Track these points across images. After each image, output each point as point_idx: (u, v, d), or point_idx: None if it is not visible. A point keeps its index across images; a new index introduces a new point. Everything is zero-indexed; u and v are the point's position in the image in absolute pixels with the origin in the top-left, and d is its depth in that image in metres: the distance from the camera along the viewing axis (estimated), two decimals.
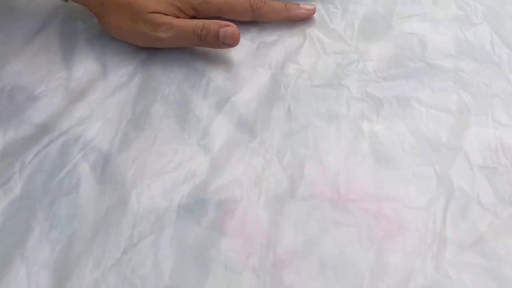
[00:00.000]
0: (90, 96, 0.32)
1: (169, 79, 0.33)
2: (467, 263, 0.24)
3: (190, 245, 0.25)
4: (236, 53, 0.34)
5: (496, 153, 0.28)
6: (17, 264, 0.25)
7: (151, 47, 0.34)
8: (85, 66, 0.34)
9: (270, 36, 0.36)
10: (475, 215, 0.26)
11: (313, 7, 0.35)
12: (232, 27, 0.32)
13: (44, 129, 0.31)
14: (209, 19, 0.33)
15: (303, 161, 0.29)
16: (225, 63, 0.34)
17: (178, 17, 0.33)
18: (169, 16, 0.33)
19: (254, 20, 0.36)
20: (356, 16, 0.36)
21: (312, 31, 0.36)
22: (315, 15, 0.36)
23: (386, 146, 0.29)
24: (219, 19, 0.33)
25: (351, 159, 0.29)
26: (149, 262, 0.25)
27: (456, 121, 0.30)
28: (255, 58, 0.34)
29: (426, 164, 0.28)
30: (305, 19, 0.35)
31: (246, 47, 0.35)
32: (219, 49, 0.34)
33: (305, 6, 0.35)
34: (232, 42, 0.32)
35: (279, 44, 0.35)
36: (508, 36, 0.34)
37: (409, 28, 0.35)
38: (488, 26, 0.35)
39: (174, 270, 0.25)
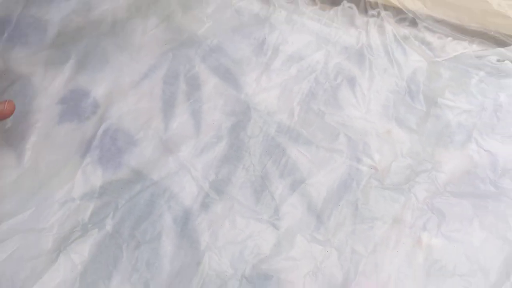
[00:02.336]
0: (181, 151, 0.38)
1: (252, 150, 0.38)
2: None
3: None
4: (317, 133, 0.39)
5: None
6: None
7: (242, 114, 0.39)
8: (181, 121, 0.40)
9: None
10: None
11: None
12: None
13: (138, 175, 0.37)
14: None
15: (359, 260, 0.33)
16: (306, 143, 0.38)
17: None
18: None
19: None
20: (439, 120, 0.39)
21: (393, 127, 0.39)
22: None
23: (440, 263, 0.33)
24: None
25: (405, 268, 0.33)
26: None
27: (510, 249, 0.33)
28: (334, 143, 0.38)
29: None
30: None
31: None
32: (303, 127, 0.38)
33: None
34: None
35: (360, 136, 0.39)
36: None
37: (488, 146, 0.38)
38: None
39: None
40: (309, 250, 0.34)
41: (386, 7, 0.43)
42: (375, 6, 0.43)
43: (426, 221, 0.35)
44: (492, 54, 0.41)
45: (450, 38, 0.42)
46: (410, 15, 0.42)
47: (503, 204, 0.35)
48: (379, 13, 0.43)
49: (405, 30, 0.42)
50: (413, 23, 0.42)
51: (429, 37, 0.42)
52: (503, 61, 0.41)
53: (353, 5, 0.43)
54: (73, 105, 0.40)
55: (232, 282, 0.32)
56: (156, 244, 0.34)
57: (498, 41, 0.41)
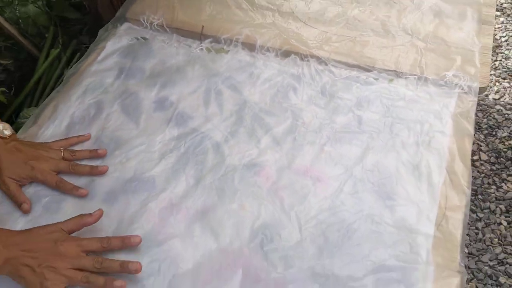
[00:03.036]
0: (215, 120, 0.81)
1: (248, 120, 0.81)
2: None
3: None
4: (278, 111, 0.82)
5: None
6: None
7: None
8: (213, 109, 0.83)
9: None
10: None
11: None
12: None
13: (194, 130, 0.79)
14: None
15: None
16: (273, 115, 0.81)
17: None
18: None
19: None
20: (334, 102, 0.83)
21: (312, 107, 0.82)
22: None
23: None
24: None
25: None
26: None
27: None
28: None
29: None
30: None
31: None
32: None
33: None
34: None
35: None
36: None
37: None
38: None
39: None
40: None
41: (312, 56, 0.89)
42: (305, 57, 0.89)
43: None
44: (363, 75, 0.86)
45: (343, 69, 0.87)
46: (322, 59, 0.88)
47: None
48: (308, 60, 0.88)
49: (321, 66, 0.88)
50: (324, 63, 0.88)
51: (333, 70, 0.87)
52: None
53: (296, 56, 0.89)
54: (160, 104, 0.84)
55: None
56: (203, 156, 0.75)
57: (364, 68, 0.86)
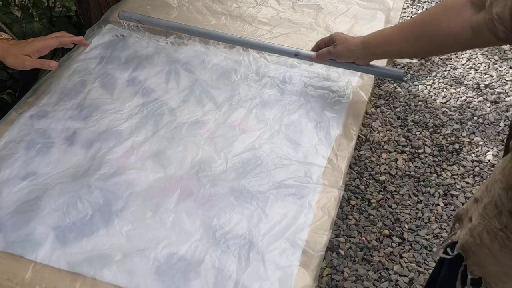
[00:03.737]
0: (167, 89, 1.06)
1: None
2: None
3: None
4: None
5: None
6: None
7: None
8: (173, 83, 1.08)
9: None
10: None
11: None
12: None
13: (157, 98, 1.05)
14: None
15: None
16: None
17: None
18: None
19: None
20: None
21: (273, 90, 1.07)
22: None
23: None
24: None
25: None
26: None
27: None
28: None
29: None
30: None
31: None
32: None
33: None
34: None
35: None
36: None
37: None
38: None
39: None
40: None
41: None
42: (246, 48, 1.14)
43: None
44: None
45: (274, 56, 1.12)
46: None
47: None
48: (248, 50, 1.14)
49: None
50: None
51: (267, 57, 1.13)
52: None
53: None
54: (131, 82, 1.09)
55: None
56: None
57: None
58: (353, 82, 1.06)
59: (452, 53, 2.31)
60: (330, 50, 0.98)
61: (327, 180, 0.87)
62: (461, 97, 2.11)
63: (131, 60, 1.15)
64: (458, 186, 1.76)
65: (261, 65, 1.11)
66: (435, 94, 2.13)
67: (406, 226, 1.65)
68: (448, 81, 2.19)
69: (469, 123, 2.00)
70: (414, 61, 2.36)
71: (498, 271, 0.67)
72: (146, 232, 0.80)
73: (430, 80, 2.21)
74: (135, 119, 1.00)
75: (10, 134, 0.98)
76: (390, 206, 1.73)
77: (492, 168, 1.83)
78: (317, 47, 1.02)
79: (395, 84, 2.21)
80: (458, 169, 1.82)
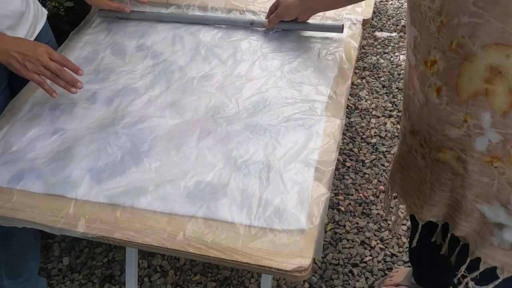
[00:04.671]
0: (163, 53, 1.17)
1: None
2: None
3: None
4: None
5: None
6: None
7: None
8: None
9: None
10: None
11: None
12: None
13: (160, 55, 1.15)
14: None
15: None
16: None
17: None
18: None
19: None
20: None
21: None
22: None
23: None
24: None
25: None
26: None
27: None
28: None
29: None
30: None
31: None
32: None
33: None
34: None
35: None
36: None
37: None
38: None
39: None
40: None
41: (248, 10, 1.25)
42: (243, 12, 1.25)
43: None
44: None
45: None
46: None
47: None
48: (245, 13, 1.25)
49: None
50: None
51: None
52: None
53: None
54: (139, 48, 1.19)
55: None
56: None
57: None
58: (344, 33, 1.18)
59: None
60: (276, 13, 1.14)
61: (330, 112, 0.98)
62: None
63: (137, 30, 1.25)
64: None
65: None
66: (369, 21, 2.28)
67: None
68: None
69: None
70: (393, 34, 2.50)
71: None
72: (173, 167, 0.90)
73: None
74: (149, 77, 1.10)
75: (34, 99, 1.06)
76: (383, 165, 1.86)
77: None
78: (270, 12, 1.17)
79: (378, 57, 2.35)
80: None
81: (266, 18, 1.19)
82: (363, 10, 1.23)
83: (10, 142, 0.96)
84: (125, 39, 1.22)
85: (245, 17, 1.22)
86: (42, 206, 0.85)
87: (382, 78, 2.23)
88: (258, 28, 1.21)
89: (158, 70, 1.12)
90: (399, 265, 1.54)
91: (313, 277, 1.52)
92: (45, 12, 1.22)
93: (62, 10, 2.05)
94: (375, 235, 1.64)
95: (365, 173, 1.83)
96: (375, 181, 1.80)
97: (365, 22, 1.20)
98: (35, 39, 1.13)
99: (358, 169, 1.85)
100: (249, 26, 1.20)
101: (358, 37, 1.17)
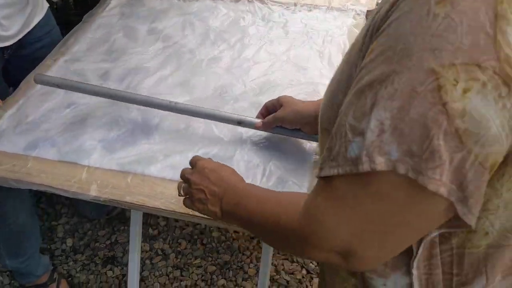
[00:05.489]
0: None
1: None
2: None
3: None
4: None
5: None
6: None
7: None
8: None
9: None
10: None
11: None
12: None
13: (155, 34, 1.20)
14: None
15: None
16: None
17: None
18: None
19: None
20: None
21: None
22: None
23: None
24: None
25: None
26: None
27: None
28: None
29: None
30: None
31: None
32: None
33: None
34: None
35: None
36: None
37: None
38: None
39: None
40: None
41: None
42: (251, 0, 1.31)
43: None
44: None
45: (276, 5, 1.29)
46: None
47: None
48: (253, 1, 1.31)
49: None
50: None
51: (270, 6, 1.29)
52: None
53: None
54: (151, 31, 1.24)
55: None
56: None
57: None
58: (348, 22, 1.24)
59: None
60: (276, 116, 0.87)
61: None
62: None
63: (148, 15, 1.30)
64: None
65: (266, 13, 1.29)
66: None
67: None
68: None
69: None
70: None
71: None
72: (182, 139, 0.95)
73: None
74: (159, 58, 1.15)
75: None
76: None
77: None
78: (265, 108, 0.92)
79: None
80: None
81: (259, 113, 0.93)
82: (367, 2, 1.29)
83: (25, 113, 1.01)
84: (137, 23, 1.28)
85: (232, 115, 0.92)
86: (56, 172, 0.90)
87: None
88: (274, 13, 1.27)
89: (168, 52, 1.17)
90: None
91: (311, 263, 1.56)
92: (45, 5, 1.30)
93: (71, 2, 2.11)
94: None
95: None
96: None
97: (368, 13, 1.26)
98: (31, 30, 1.23)
99: None
100: (236, 124, 0.93)
101: (362, 26, 1.22)
